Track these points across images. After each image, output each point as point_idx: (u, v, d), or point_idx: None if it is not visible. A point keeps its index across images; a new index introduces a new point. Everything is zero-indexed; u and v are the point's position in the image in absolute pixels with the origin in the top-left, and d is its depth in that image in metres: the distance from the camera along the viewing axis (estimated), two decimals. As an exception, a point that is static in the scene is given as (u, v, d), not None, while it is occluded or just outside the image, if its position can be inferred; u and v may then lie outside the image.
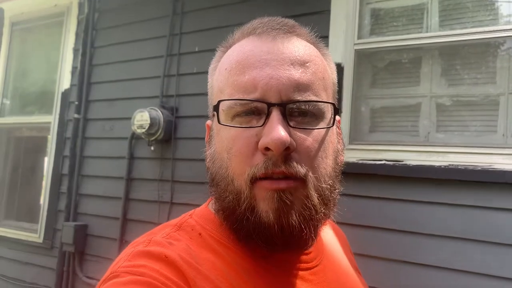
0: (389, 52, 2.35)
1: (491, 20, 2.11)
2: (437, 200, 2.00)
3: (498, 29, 2.03)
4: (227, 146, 0.63)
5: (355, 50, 2.35)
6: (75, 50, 3.53)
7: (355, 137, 2.30)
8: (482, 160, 1.95)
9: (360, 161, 2.19)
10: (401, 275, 2.03)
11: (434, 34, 2.18)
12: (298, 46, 0.66)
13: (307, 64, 0.64)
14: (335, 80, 0.73)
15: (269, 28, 0.66)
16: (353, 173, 2.15)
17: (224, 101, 0.63)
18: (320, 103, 0.63)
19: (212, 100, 0.70)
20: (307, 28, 0.72)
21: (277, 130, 0.58)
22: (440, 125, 2.17)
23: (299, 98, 0.61)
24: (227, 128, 0.63)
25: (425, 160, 2.07)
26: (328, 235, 0.84)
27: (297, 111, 0.62)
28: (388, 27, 2.37)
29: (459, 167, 1.96)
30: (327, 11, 2.38)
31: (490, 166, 1.91)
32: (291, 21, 0.70)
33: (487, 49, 2.12)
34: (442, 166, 1.99)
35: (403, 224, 2.06)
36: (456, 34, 2.11)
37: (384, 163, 2.14)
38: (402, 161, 2.11)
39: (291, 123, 0.61)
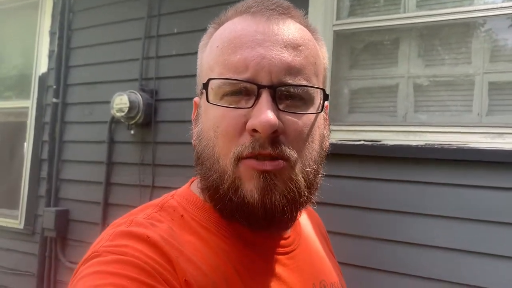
0: (368, 33, 2.35)
1: (468, 1, 2.13)
2: (414, 178, 2.03)
3: (474, 9, 2.05)
4: (214, 124, 0.63)
5: (334, 31, 2.35)
6: (52, 33, 3.45)
7: (334, 118, 2.32)
8: (457, 139, 1.99)
9: (340, 142, 2.21)
10: (379, 252, 2.08)
11: (411, 14, 2.20)
12: (292, 29, 0.65)
13: (300, 48, 0.63)
14: (326, 65, 0.72)
15: (263, 8, 0.65)
16: (332, 153, 2.16)
17: (214, 80, 0.63)
18: (310, 88, 0.63)
19: (201, 78, 0.69)
20: (302, 11, 0.71)
21: (266, 113, 0.57)
22: (417, 105, 2.20)
23: (290, 81, 0.61)
24: (215, 107, 0.63)
25: (402, 140, 2.10)
26: (303, 218, 0.85)
27: (286, 94, 0.61)
28: (367, 8, 2.37)
29: (435, 146, 2.00)
30: (306, -8, 2.37)
31: (465, 144, 1.95)
32: (286, 2, 0.68)
33: (462, 29, 2.14)
34: (419, 146, 2.03)
35: (381, 202, 2.10)
36: (433, 15, 2.13)
37: (363, 143, 2.16)
38: (380, 141, 2.14)
39: (280, 106, 0.60)
